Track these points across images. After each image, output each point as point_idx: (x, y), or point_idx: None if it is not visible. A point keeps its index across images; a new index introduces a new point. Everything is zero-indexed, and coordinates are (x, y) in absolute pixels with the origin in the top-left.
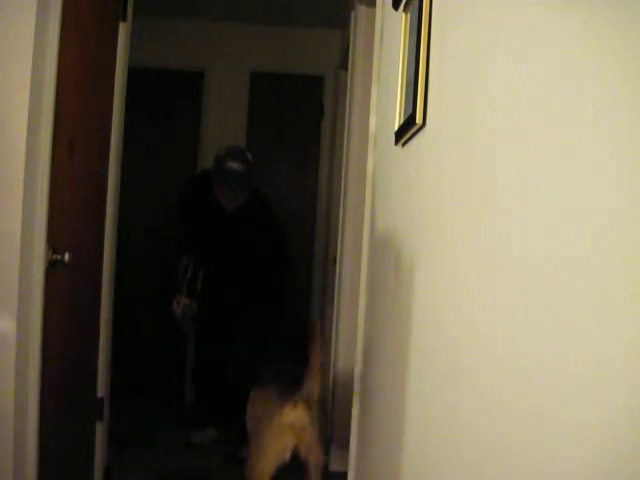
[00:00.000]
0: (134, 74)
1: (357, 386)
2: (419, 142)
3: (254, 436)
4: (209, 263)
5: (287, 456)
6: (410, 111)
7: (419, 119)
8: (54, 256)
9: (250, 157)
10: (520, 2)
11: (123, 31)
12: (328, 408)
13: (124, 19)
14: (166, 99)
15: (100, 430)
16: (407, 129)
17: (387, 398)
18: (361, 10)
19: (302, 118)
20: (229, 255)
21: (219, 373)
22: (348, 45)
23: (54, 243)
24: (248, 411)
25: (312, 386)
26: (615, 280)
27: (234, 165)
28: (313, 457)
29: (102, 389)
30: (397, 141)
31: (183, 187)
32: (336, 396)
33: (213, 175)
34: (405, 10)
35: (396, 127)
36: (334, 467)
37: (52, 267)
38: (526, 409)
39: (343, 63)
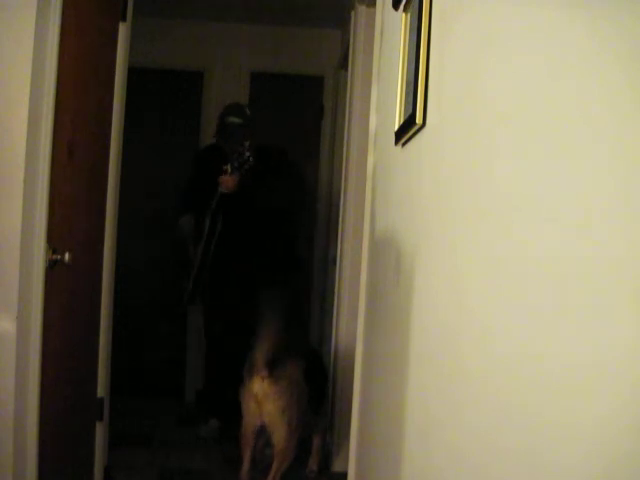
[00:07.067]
0: (134, 74)
1: (357, 385)
2: (419, 142)
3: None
4: (222, 219)
5: (256, 421)
6: (410, 111)
7: (419, 119)
8: (54, 256)
9: (248, 111)
10: (520, 2)
11: (123, 31)
12: (299, 397)
13: (124, 19)
14: (166, 99)
15: (100, 430)
16: (407, 129)
17: (387, 398)
18: (361, 10)
19: (302, 118)
20: (242, 210)
21: (230, 357)
22: (348, 45)
23: (54, 243)
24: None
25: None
26: (615, 280)
27: (232, 120)
28: (278, 433)
29: (102, 389)
30: (397, 141)
31: (195, 153)
32: (336, 395)
33: (217, 133)
34: (405, 10)
35: (396, 127)
36: (334, 467)
37: (52, 267)
38: (526, 408)
39: (343, 63)
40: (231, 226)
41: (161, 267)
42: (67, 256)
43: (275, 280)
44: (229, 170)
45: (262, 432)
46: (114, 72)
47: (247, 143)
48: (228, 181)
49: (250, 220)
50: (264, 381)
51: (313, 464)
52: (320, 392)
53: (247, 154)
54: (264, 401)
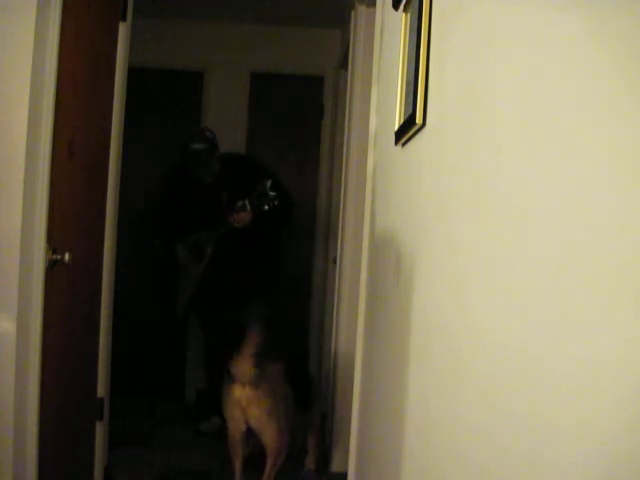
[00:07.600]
0: (134, 74)
1: (357, 385)
2: (419, 142)
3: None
4: (224, 243)
5: (242, 426)
6: (410, 111)
7: (419, 119)
8: (54, 256)
9: (209, 134)
10: (520, 2)
11: (123, 31)
12: (286, 401)
13: (124, 19)
14: (166, 99)
15: (100, 430)
16: (407, 129)
17: (387, 398)
18: (361, 10)
19: (302, 118)
20: (243, 237)
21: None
22: (348, 45)
23: (54, 243)
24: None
25: (244, 369)
26: (616, 280)
27: (196, 146)
28: (267, 435)
29: (102, 389)
30: (397, 141)
31: (161, 177)
32: (336, 396)
33: (183, 160)
34: (405, 10)
35: (396, 127)
36: (334, 467)
37: (52, 267)
38: (526, 408)
39: (343, 63)
40: (231, 250)
41: (161, 267)
42: (67, 256)
43: (264, 294)
44: (248, 208)
45: (250, 437)
46: (114, 72)
47: (269, 183)
48: (245, 217)
49: (249, 245)
50: (245, 387)
51: (310, 463)
52: (306, 391)
53: (272, 194)
54: (249, 406)
